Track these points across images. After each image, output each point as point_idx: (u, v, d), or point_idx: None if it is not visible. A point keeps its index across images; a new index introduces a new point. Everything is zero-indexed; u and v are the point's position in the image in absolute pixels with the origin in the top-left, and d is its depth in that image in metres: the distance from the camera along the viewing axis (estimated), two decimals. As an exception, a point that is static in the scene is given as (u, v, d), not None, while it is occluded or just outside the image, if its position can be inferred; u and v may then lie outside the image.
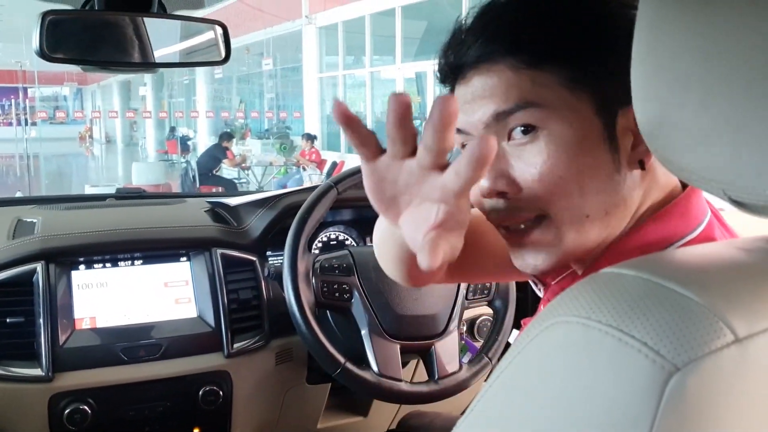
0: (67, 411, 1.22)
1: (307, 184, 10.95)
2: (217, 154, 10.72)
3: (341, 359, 1.21)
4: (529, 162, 0.59)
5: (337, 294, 1.27)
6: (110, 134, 25.16)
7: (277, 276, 1.41)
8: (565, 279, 0.69)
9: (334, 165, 11.16)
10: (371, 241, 1.76)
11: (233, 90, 20.35)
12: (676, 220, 0.63)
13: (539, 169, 0.59)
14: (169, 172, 13.60)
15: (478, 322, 1.56)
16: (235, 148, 11.85)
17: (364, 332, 1.25)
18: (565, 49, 0.59)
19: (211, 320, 1.35)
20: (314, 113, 14.84)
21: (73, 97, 30.44)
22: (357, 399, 1.68)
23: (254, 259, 1.44)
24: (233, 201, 1.51)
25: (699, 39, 0.40)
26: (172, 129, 17.77)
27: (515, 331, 0.87)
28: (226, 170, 11.37)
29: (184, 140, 16.30)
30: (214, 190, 9.97)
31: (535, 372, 0.44)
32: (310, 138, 11.54)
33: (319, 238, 1.64)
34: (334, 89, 14.99)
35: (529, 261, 0.63)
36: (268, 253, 1.52)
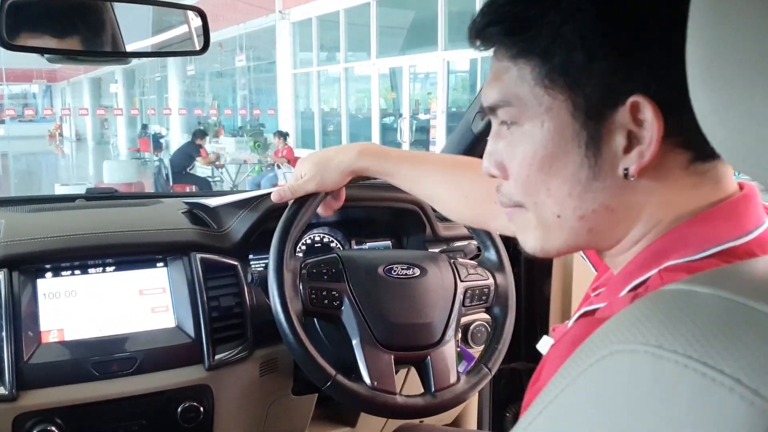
0: None
1: (281, 183, 10.85)
2: (190, 152, 10.57)
3: (332, 371, 1.12)
4: (509, 153, 0.62)
5: (326, 301, 1.18)
6: (81, 132, 24.79)
7: (262, 282, 1.32)
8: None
9: (310, 162, 11.04)
10: (357, 243, 1.69)
11: (206, 87, 20.11)
12: (719, 223, 0.56)
13: (514, 162, 0.61)
14: (142, 171, 13.41)
15: (472, 327, 1.48)
16: (209, 146, 11.70)
17: (355, 342, 1.17)
18: (542, 43, 0.57)
19: (190, 330, 1.26)
20: (288, 110, 14.72)
21: (42, 94, 29.95)
22: (344, 409, 1.60)
23: (236, 263, 1.34)
24: (212, 202, 1.42)
25: None
26: (144, 126, 17.54)
27: (546, 338, 0.80)
28: (200, 168, 11.23)
29: (157, 138, 16.09)
30: (187, 188, 9.84)
31: (594, 410, 0.37)
32: (282, 135, 11.42)
33: (303, 241, 1.56)
34: (308, 86, 14.87)
35: (522, 244, 0.65)
36: (251, 257, 1.43)
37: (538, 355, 0.65)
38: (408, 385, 1.38)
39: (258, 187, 10.69)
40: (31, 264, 1.22)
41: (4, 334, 1.13)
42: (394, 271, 1.24)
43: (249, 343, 1.30)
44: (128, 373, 1.19)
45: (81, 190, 1.71)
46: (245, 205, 1.41)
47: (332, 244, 1.62)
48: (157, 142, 15.68)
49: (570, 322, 0.64)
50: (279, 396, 1.41)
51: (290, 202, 1.20)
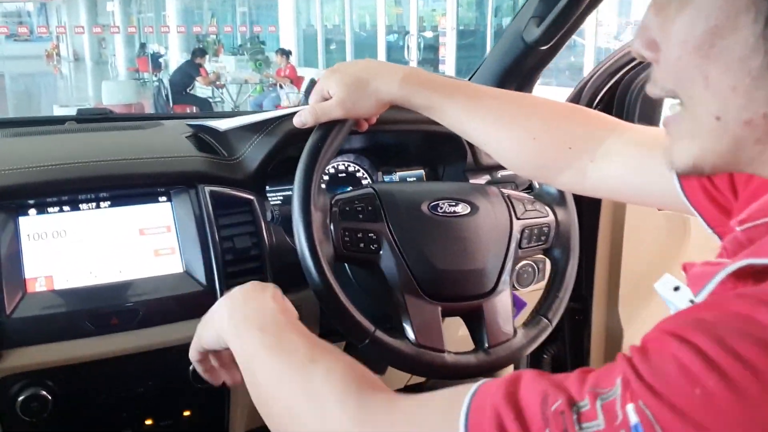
0: (21, 398, 0.96)
1: (284, 104, 10.56)
2: (190, 71, 10.26)
3: (370, 327, 0.95)
4: (665, 27, 0.50)
5: (361, 244, 1.00)
6: (78, 52, 24.21)
7: (284, 221, 1.13)
8: (757, 228, 0.53)
9: (313, 82, 10.73)
10: (385, 173, 1.49)
11: (204, 3, 19.44)
12: None
13: (667, 38, 0.49)
14: (141, 91, 13.08)
15: (517, 268, 1.30)
16: (208, 65, 11.33)
17: (396, 292, 0.99)
18: None
19: (201, 276, 1.08)
20: (290, 27, 14.22)
21: (37, 12, 29.11)
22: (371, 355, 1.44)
23: (251, 197, 1.15)
24: (222, 124, 1.21)
25: None
26: (143, 45, 17.06)
27: (667, 276, 0.63)
28: (200, 89, 10.92)
29: (156, 57, 15.65)
30: (188, 109, 9.58)
31: None
32: (285, 53, 11.07)
33: (325, 170, 1.36)
34: (310, 1, 14.33)
35: (669, 160, 0.53)
36: (268, 189, 1.24)
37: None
38: (454, 339, 1.21)
39: (260, 107, 10.43)
40: (11, 199, 1.03)
41: None
42: (440, 208, 1.05)
43: None
44: (129, 327, 1.02)
45: (71, 114, 1.50)
46: (260, 128, 1.20)
47: (358, 174, 1.43)
48: (156, 62, 15.25)
49: (725, 271, 0.49)
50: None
51: (315, 127, 1.00)
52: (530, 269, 1.31)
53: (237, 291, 0.84)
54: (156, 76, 13.65)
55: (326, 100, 0.98)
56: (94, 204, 1.07)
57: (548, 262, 1.41)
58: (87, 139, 1.25)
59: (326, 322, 1.21)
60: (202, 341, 0.86)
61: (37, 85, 18.36)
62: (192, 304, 1.05)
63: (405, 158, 1.46)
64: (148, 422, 1.08)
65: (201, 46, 12.66)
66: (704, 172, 0.51)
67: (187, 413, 1.10)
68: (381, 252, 1.00)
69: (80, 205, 1.06)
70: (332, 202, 1.01)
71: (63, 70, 21.66)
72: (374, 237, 1.00)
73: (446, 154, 1.41)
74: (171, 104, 9.60)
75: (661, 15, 0.50)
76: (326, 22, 14.12)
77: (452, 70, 9.29)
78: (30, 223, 1.03)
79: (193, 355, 0.89)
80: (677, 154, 0.52)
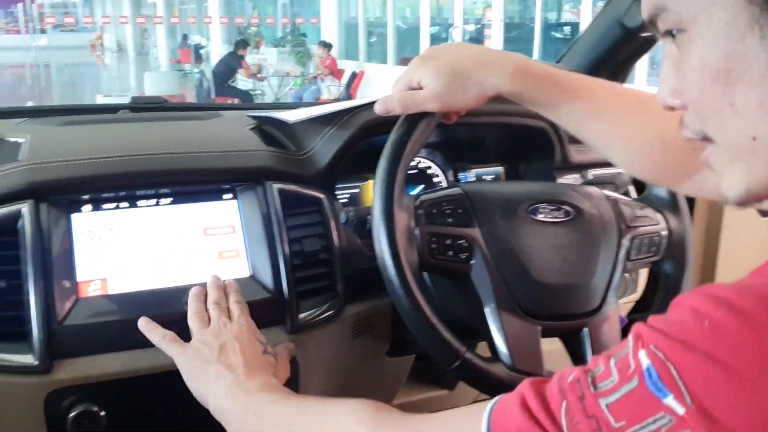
0: (72, 414, 0.86)
1: (325, 96, 10.49)
2: (232, 63, 10.23)
3: (461, 348, 0.83)
4: (680, 71, 0.50)
5: (450, 252, 0.88)
6: (121, 42, 24.52)
7: (358, 224, 1.02)
8: None
9: (354, 75, 10.66)
10: (461, 170, 1.37)
11: (246, -6, 19.49)
12: None
13: (684, 80, 0.50)
14: (183, 83, 13.14)
15: None
16: (249, 57, 11.30)
17: (489, 308, 0.87)
18: None
19: (268, 281, 0.97)
20: (331, 19, 14.12)
21: (83, 3, 29.56)
22: (441, 370, 1.32)
23: (321, 196, 1.05)
24: (290, 116, 1.10)
25: None
26: (185, 37, 17.11)
27: None
28: (241, 81, 10.90)
29: (197, 49, 15.68)
30: (229, 102, 9.56)
31: None
32: (326, 46, 10.99)
33: None
34: (353, -7, 14.21)
35: (723, 193, 0.51)
36: (338, 187, 1.14)
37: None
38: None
39: (300, 100, 10.38)
40: (64, 194, 0.93)
41: (31, 285, 0.86)
42: (540, 212, 0.93)
43: (339, 299, 1.02)
44: (191, 338, 0.92)
45: (124, 101, 1.41)
46: (332, 120, 1.09)
47: (429, 171, 1.31)
48: (197, 53, 15.28)
49: None
50: (371, 359, 1.14)
51: (400, 119, 0.89)
52: (623, 281, 1.18)
53: (241, 367, 0.81)
54: (197, 67, 13.68)
55: (414, 89, 0.87)
56: (153, 201, 0.97)
57: (641, 273, 1.28)
58: (144, 130, 1.15)
59: (399, 333, 1.10)
60: (186, 380, 0.84)
61: (81, 75, 18.61)
62: (258, 312, 0.95)
63: (482, 154, 1.34)
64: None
65: (242, 37, 12.64)
66: (761, 195, 0.49)
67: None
68: (472, 261, 0.88)
69: (138, 202, 0.97)
70: (416, 203, 0.90)
71: (106, 61, 21.93)
72: (465, 244, 0.89)
73: (530, 149, 1.28)
74: (213, 96, 9.58)
75: (674, 62, 0.51)
76: (367, 14, 13.99)
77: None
78: (83, 221, 0.94)
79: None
80: (727, 186, 0.50)
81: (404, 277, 0.82)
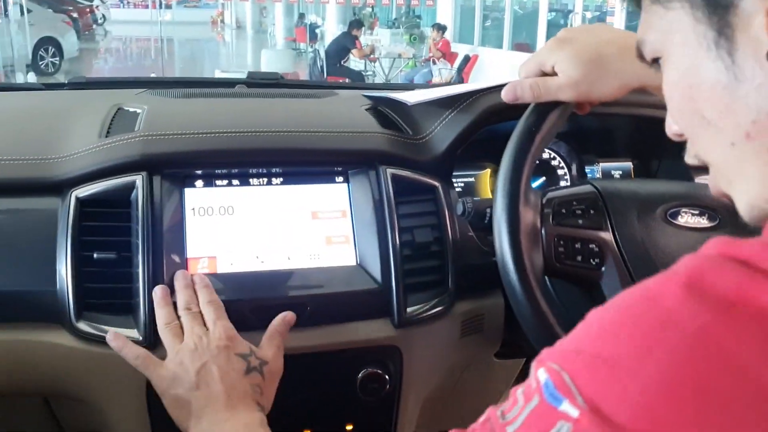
0: None
1: (436, 80, 10.39)
2: (346, 43, 10.29)
3: None
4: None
5: (579, 257, 0.80)
6: (240, 20, 25.25)
7: (477, 216, 0.96)
8: None
9: (467, 59, 10.50)
10: (587, 163, 1.27)
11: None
12: None
13: (669, 103, 0.52)
14: (297, 61, 13.37)
15: None
16: (363, 38, 11.34)
17: None
18: None
19: (376, 271, 0.93)
20: (447, 2, 13.95)
21: (206, -20, 30.63)
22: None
23: (436, 184, 0.99)
24: (409, 97, 1.05)
25: None
26: (301, 16, 17.41)
27: None
28: (353, 61, 10.96)
29: (313, 28, 15.92)
30: (340, 81, 9.65)
31: None
32: (440, 28, 10.85)
33: None
34: (471, -25, 13.96)
35: (740, 211, 0.49)
36: (455, 174, 1.07)
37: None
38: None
39: (411, 83, 10.33)
40: (178, 167, 0.92)
41: (140, 258, 0.85)
42: (681, 217, 0.83)
43: (449, 294, 0.96)
44: (295, 324, 0.89)
45: (241, 76, 1.40)
46: (453, 103, 1.03)
47: (553, 162, 1.22)
48: (312, 33, 15.51)
49: None
50: (478, 360, 1.08)
51: (529, 107, 0.81)
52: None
53: (222, 401, 0.75)
54: (312, 46, 13.89)
55: (546, 74, 0.79)
56: (265, 179, 0.95)
57: None
58: (260, 106, 1.13)
59: (512, 337, 1.04)
60: (167, 407, 0.78)
61: (202, 50, 19.30)
62: (365, 303, 0.91)
63: (610, 146, 1.24)
64: (307, 432, 0.95)
65: (357, 18, 12.71)
66: (765, 209, 0.47)
67: (349, 427, 0.96)
68: (603, 268, 0.80)
69: (251, 180, 0.94)
70: (543, 201, 0.83)
71: (225, 37, 22.67)
72: (596, 248, 0.81)
73: (665, 145, 1.16)
74: (325, 75, 9.69)
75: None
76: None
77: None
78: (196, 196, 0.92)
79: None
80: (739, 205, 0.49)
81: (527, 283, 0.75)
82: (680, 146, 1.15)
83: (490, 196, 1.15)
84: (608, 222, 0.82)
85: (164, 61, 13.42)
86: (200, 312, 0.82)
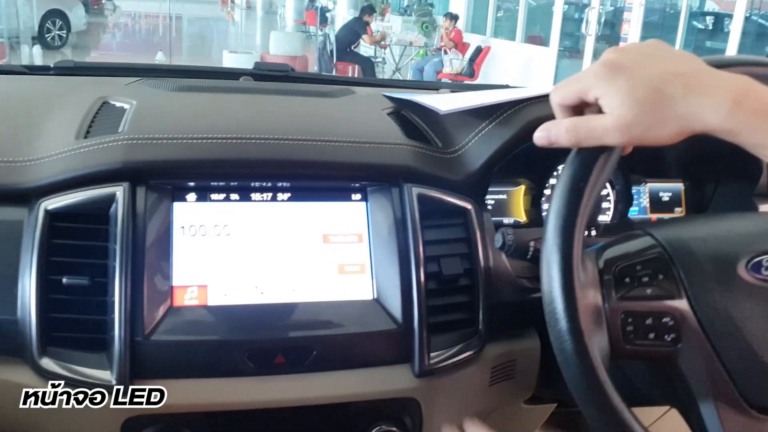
0: None
1: (447, 70, 10.21)
2: (357, 28, 10.11)
3: None
4: None
5: (652, 335, 0.66)
6: (251, 0, 25.00)
7: (518, 251, 0.81)
8: None
9: (479, 50, 10.31)
10: (634, 183, 1.13)
11: (376, -40, 19.28)
12: None
13: None
14: (307, 45, 13.17)
15: None
16: (374, 24, 11.15)
17: (705, 404, 0.65)
18: None
19: (396, 308, 0.79)
20: (461, -10, 13.72)
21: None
22: (582, 420, 1.11)
23: (469, 206, 0.85)
24: (439, 104, 0.90)
25: None
26: (312, -2, 17.18)
27: None
28: (363, 47, 10.78)
29: (324, 11, 15.71)
30: (350, 68, 9.48)
31: None
32: (452, 17, 10.64)
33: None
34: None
35: None
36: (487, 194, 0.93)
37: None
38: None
39: (421, 72, 10.15)
40: (167, 178, 0.78)
41: (117, 286, 0.71)
42: (765, 269, 0.69)
43: (479, 336, 0.82)
44: (298, 370, 0.75)
45: (249, 59, 1.26)
46: (491, 113, 0.89)
47: (609, 198, 1.08)
48: (323, 16, 15.29)
49: None
50: (505, 407, 0.95)
51: (571, 153, 0.65)
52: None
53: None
54: (322, 30, 13.69)
55: (588, 105, 0.64)
56: (269, 195, 0.81)
57: None
58: (267, 105, 0.99)
59: (546, 384, 0.90)
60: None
61: (210, 29, 19.08)
62: (381, 346, 0.77)
63: (660, 165, 1.10)
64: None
65: (369, 3, 12.50)
66: None
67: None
68: (680, 345, 0.66)
69: (252, 195, 0.80)
70: (601, 266, 0.68)
71: (235, 17, 22.43)
72: (670, 322, 0.66)
73: (723, 166, 1.03)
74: (335, 60, 9.51)
75: None
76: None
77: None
78: (186, 212, 0.78)
79: None
80: None
81: (596, 378, 0.60)
82: (742, 170, 1.02)
83: (524, 218, 1.01)
84: (682, 288, 0.67)
85: (172, 39, 13.23)
86: None
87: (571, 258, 0.60)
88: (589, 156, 0.62)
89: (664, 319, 0.65)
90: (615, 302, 0.65)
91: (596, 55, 9.38)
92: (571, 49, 10.47)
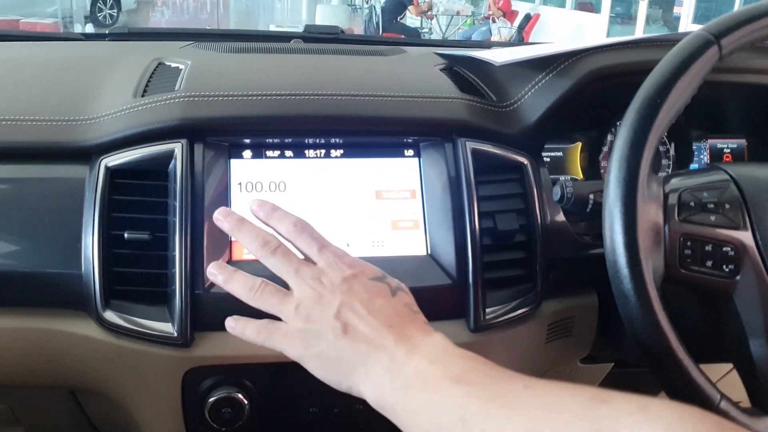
0: (211, 400, 0.73)
1: (495, 39, 10.06)
2: (403, -1, 10.02)
3: (714, 395, 0.61)
4: None
5: (709, 262, 0.65)
6: (296, -26, 24.99)
7: (577, 204, 0.80)
8: None
9: (528, 18, 10.12)
10: (695, 140, 1.10)
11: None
12: None
13: None
14: (352, 18, 13.12)
15: None
16: (420, -6, 11.03)
17: (757, 343, 0.64)
18: None
19: (450, 264, 0.78)
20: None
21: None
22: (641, 379, 1.09)
23: (525, 161, 0.83)
24: (495, 56, 0.89)
25: None
26: (356, -30, 17.08)
27: None
28: (410, 18, 10.69)
29: (369, -17, 15.60)
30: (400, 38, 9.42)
31: None
32: (501, -15, 10.46)
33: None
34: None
35: None
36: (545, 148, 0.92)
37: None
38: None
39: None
40: (224, 135, 0.79)
41: (177, 240, 0.72)
42: None
43: (536, 293, 0.81)
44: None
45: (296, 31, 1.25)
46: (548, 64, 0.87)
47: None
48: (367, -12, 15.22)
49: None
50: (561, 366, 0.94)
51: (651, 73, 0.65)
52: None
53: (386, 336, 0.56)
54: (368, 2, 13.60)
55: None
56: (322, 152, 0.81)
57: None
58: (318, 64, 0.98)
59: (604, 342, 0.89)
60: (305, 363, 0.60)
61: (257, 4, 19.14)
62: (435, 301, 0.76)
63: (721, 120, 1.06)
64: (365, 448, 0.83)
65: (416, -27, 12.37)
66: None
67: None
68: (738, 277, 0.64)
69: (306, 152, 0.80)
70: (666, 191, 0.67)
71: (280, -8, 22.46)
72: (731, 252, 0.65)
73: None
74: (381, 32, 9.47)
75: None
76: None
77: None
78: (243, 169, 0.79)
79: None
80: None
81: (645, 294, 0.60)
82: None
83: (581, 175, 1.00)
84: (747, 219, 0.66)
85: (219, 15, 13.34)
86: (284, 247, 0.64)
87: (638, 172, 0.60)
88: (669, 77, 0.62)
89: (725, 248, 0.64)
90: (676, 224, 0.64)
91: (649, 21, 9.12)
92: (623, 15, 10.18)
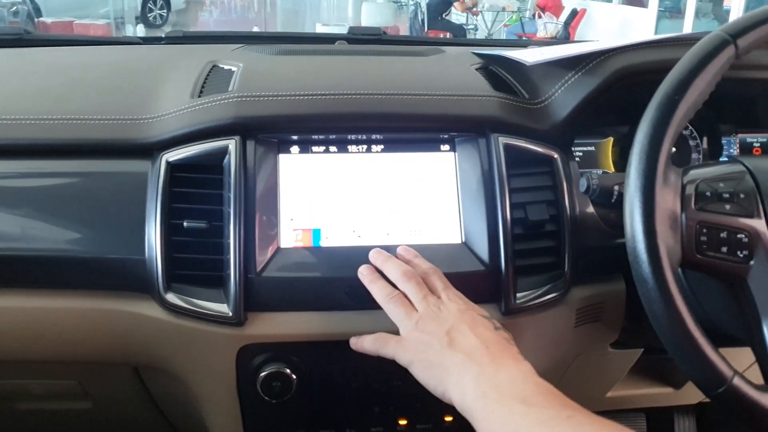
0: (262, 374, 0.80)
1: (541, 34, 9.99)
2: (448, -4, 10.03)
3: (728, 371, 0.65)
4: None
5: (724, 248, 0.69)
6: (342, -28, 25.13)
7: (603, 194, 0.85)
8: None
9: (574, 13, 10.03)
10: (724, 135, 1.13)
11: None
12: None
13: None
14: (398, 15, 13.18)
15: None
16: (466, -9, 11.02)
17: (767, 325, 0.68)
18: None
19: (483, 251, 0.84)
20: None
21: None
22: (669, 366, 1.13)
23: (555, 155, 0.88)
24: (526, 56, 0.94)
25: None
26: (403, -32, 17.12)
27: None
28: (455, 14, 10.68)
29: (415, -20, 15.63)
30: (441, 35, 9.43)
31: None
32: (547, -20, 10.39)
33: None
34: None
35: None
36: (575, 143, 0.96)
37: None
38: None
39: (516, 38, 9.98)
40: (274, 132, 0.85)
41: (231, 229, 0.79)
42: None
43: (565, 279, 0.86)
44: None
45: (341, 31, 1.32)
46: (577, 63, 0.91)
47: (684, 131, 1.08)
48: (414, -15, 15.25)
49: None
50: (591, 350, 0.98)
51: (672, 71, 0.69)
52: None
53: (483, 353, 0.68)
54: (413, -1, 13.65)
55: None
56: (364, 147, 0.87)
57: None
58: (361, 65, 1.05)
59: (632, 327, 0.93)
60: (413, 368, 0.72)
61: (303, 3, 19.32)
62: (469, 286, 0.82)
63: (751, 115, 1.09)
64: (402, 422, 0.89)
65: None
66: None
67: (449, 419, 0.89)
68: (752, 263, 0.69)
69: (349, 147, 0.87)
70: (684, 181, 0.71)
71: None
72: (745, 239, 0.69)
73: None
74: (426, 29, 9.50)
75: None
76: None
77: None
78: (291, 163, 0.85)
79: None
80: None
81: (662, 277, 0.64)
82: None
83: (612, 169, 1.04)
84: (761, 208, 0.70)
85: (266, 14, 13.54)
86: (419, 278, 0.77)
87: (657, 164, 0.65)
88: (687, 75, 0.66)
89: (739, 235, 0.68)
90: (693, 212, 0.69)
91: (698, 14, 8.95)
92: (672, 9, 10.01)
